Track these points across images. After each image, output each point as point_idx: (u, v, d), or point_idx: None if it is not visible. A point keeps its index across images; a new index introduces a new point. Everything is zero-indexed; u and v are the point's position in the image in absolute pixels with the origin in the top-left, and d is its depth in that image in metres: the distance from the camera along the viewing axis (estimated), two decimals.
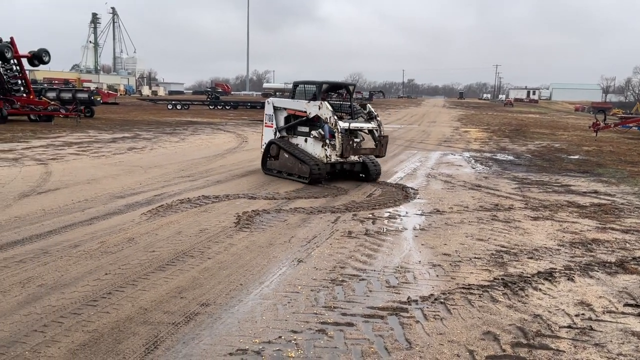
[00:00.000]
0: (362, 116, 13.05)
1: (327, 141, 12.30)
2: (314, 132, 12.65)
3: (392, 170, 15.17)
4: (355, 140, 12.56)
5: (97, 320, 4.71)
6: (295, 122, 13.31)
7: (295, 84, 13.88)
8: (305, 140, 12.95)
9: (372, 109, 13.13)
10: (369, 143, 13.04)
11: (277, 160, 13.21)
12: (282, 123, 13.70)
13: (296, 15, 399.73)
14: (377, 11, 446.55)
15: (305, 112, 12.78)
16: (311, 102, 12.62)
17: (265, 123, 14.11)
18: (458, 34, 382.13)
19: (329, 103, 12.38)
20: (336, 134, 11.97)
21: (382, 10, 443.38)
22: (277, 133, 13.68)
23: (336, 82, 13.46)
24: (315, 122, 12.73)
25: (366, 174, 12.91)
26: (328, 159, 12.32)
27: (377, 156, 12.82)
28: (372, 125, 12.71)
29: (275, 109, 13.86)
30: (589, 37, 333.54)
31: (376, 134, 12.66)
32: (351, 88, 13.58)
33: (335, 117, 12.01)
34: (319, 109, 12.31)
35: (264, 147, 13.79)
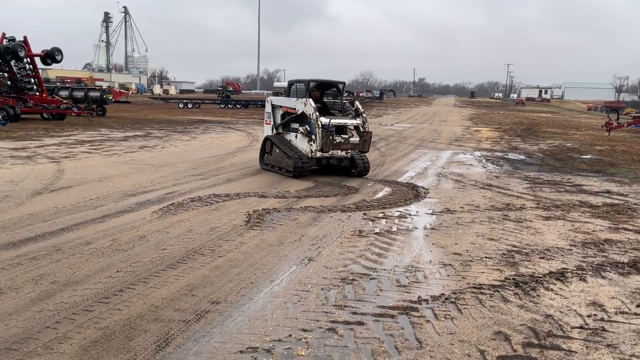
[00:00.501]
0: (351, 113, 13.43)
1: (313, 137, 12.66)
2: (300, 128, 13.09)
3: (402, 169, 15.13)
4: (343, 136, 12.87)
5: (109, 317, 4.74)
6: (287, 119, 13.78)
7: (290, 83, 14.37)
8: (296, 136, 13.41)
9: (359, 106, 13.47)
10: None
11: (271, 155, 13.75)
12: (279, 120, 14.20)
13: (306, 15, 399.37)
14: (385, 10, 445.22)
15: (295, 109, 13.24)
16: (299, 99, 13.08)
17: (265, 120, 14.86)
18: (469, 33, 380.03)
19: (314, 100, 12.89)
20: (317, 130, 12.37)
21: (391, 9, 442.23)
22: (274, 130, 14.27)
23: (325, 80, 13.80)
24: (304, 119, 13.09)
25: (354, 169, 13.22)
26: (313, 154, 12.76)
27: (360, 151, 13.11)
28: (356, 121, 13.04)
29: (273, 107, 14.43)
30: (601, 36, 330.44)
31: (361, 130, 12.98)
32: (340, 86, 13.90)
33: (317, 114, 12.51)
34: (305, 105, 12.74)
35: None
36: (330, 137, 12.40)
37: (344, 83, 14.10)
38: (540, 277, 6.15)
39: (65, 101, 30.84)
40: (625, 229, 8.61)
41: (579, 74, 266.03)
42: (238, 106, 55.29)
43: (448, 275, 6.19)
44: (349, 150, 13.03)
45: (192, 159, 15.37)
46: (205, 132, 25.06)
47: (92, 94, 35.41)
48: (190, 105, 51.37)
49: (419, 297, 5.46)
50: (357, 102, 13.59)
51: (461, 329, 4.75)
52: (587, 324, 4.93)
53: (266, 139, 14.10)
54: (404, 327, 4.76)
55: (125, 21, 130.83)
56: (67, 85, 50.57)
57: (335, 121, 12.74)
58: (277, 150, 13.31)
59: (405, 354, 4.27)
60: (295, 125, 13.49)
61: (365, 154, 13.39)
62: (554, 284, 5.98)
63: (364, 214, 9.18)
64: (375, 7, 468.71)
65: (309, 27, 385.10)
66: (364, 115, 13.17)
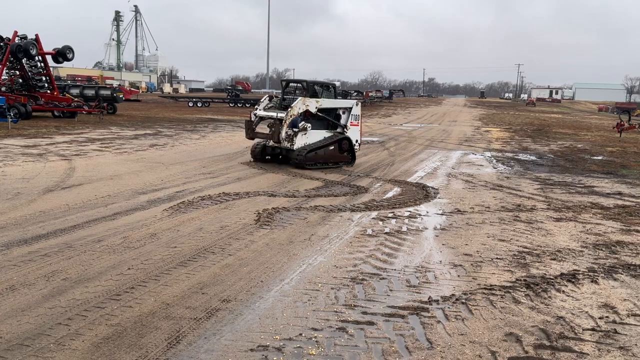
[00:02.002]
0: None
1: None
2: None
3: (412, 169, 15.09)
4: (260, 127, 15.07)
5: (121, 315, 4.76)
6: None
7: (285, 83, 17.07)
8: None
9: (293, 103, 14.52)
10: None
11: None
12: None
13: (314, 14, 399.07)
14: (394, 10, 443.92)
15: None
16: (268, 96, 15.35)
17: None
18: (479, 33, 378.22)
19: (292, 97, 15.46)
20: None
21: (401, 9, 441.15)
22: None
23: (292, 79, 16.51)
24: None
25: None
26: (267, 143, 14.88)
27: (273, 140, 14.40)
28: (276, 114, 14.56)
29: None
30: (613, 37, 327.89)
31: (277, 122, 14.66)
32: (304, 84, 15.45)
33: (256, 106, 15.29)
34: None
35: None
36: (250, 127, 14.85)
37: (306, 81, 15.56)
38: (552, 279, 6.12)
39: (76, 99, 31.02)
40: (637, 231, 8.54)
41: (590, 75, 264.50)
42: (247, 105, 55.24)
43: (458, 276, 6.17)
44: (264, 139, 14.78)
45: (202, 158, 15.42)
46: (214, 130, 25.12)
47: (103, 92, 35.60)
48: (199, 104, 51.55)
49: (430, 297, 5.44)
50: (298, 99, 14.60)
51: (472, 330, 4.73)
52: (598, 326, 4.90)
53: None
54: (415, 328, 4.75)
55: (136, 20, 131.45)
56: (78, 83, 50.79)
57: (262, 113, 14.99)
58: None
59: (416, 354, 4.27)
60: None
61: (294, 147, 14.29)
62: (566, 285, 5.95)
63: (374, 213, 9.17)
64: (384, 7, 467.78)
65: (319, 27, 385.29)
66: (289, 110, 14.16)
